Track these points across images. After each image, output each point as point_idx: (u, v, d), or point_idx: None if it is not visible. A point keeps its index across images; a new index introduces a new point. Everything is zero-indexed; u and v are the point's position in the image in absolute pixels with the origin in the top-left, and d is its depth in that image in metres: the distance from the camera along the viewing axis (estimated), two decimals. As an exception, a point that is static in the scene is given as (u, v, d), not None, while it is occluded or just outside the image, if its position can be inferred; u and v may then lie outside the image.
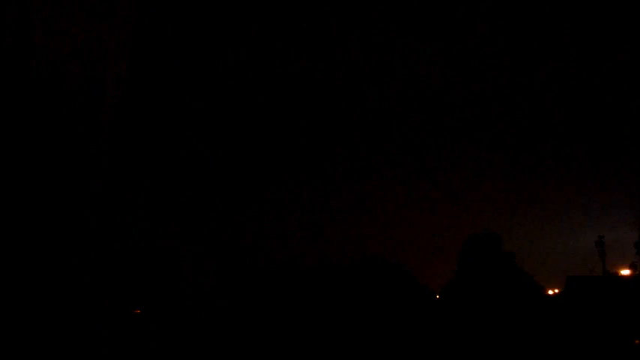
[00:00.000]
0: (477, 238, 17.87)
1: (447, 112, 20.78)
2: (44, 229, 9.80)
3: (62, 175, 10.02)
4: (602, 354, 13.73)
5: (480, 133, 21.06)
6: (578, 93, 19.88)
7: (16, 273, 9.72)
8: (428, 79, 20.54)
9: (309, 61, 19.32)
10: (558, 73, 20.05)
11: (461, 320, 15.90)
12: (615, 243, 18.02)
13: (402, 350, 14.33)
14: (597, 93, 19.68)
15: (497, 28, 19.39)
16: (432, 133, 21.04)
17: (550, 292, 17.99)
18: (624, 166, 19.42)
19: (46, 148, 9.79)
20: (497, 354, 14.06)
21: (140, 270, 13.68)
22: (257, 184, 18.79)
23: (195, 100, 16.34)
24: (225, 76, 17.46)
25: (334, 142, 20.47)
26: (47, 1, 9.95)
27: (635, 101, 19.10)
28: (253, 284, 16.48)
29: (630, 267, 17.73)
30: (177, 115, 15.64)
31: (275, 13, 18.21)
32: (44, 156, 9.83)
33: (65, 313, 10.23)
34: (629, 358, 13.65)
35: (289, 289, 16.56)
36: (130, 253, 13.36)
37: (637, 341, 14.05)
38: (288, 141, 19.72)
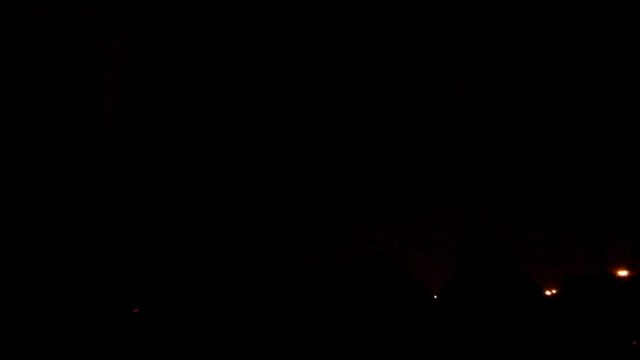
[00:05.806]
0: (476, 237, 17.82)
1: (446, 111, 20.76)
2: (43, 230, 9.76)
3: (61, 175, 9.97)
4: (599, 355, 13.77)
5: (479, 132, 21.04)
6: (579, 92, 19.88)
7: (15, 273, 9.68)
8: (428, 78, 20.51)
9: (312, 61, 19.28)
10: (556, 72, 20.05)
11: (459, 320, 15.91)
12: (613, 244, 18.05)
13: (399, 349, 14.34)
14: (598, 92, 19.68)
15: (499, 29, 19.37)
16: (432, 131, 21.00)
17: (548, 292, 18.00)
18: (624, 165, 19.43)
19: (46, 150, 9.74)
20: (495, 354, 14.08)
21: (137, 268, 13.66)
22: (256, 184, 18.78)
23: (195, 102, 16.32)
24: (226, 79, 17.45)
25: (333, 141, 20.43)
26: (47, 4, 9.88)
27: (635, 100, 19.10)
28: (252, 283, 16.50)
29: (628, 268, 17.74)
30: (177, 114, 15.61)
31: (275, 15, 18.17)
32: (43, 157, 9.77)
33: (63, 311, 10.20)
34: (626, 360, 13.71)
35: (287, 288, 16.57)
36: (128, 251, 13.34)
37: (634, 342, 14.10)
38: (288, 140, 19.70)
